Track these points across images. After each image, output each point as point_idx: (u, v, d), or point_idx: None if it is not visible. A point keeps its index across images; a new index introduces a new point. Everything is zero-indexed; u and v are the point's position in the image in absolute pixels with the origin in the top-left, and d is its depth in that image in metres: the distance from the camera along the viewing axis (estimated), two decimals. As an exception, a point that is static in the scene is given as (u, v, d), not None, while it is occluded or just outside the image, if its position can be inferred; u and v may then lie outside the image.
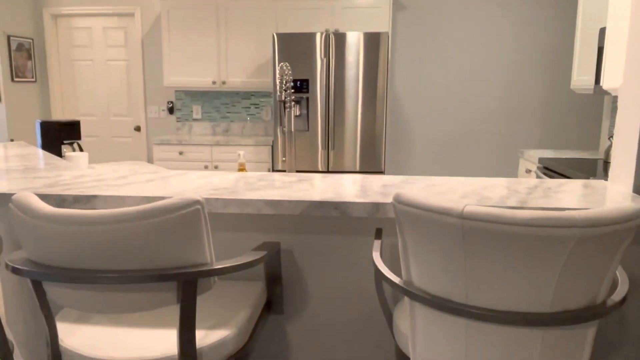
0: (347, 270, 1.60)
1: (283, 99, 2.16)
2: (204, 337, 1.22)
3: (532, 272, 0.91)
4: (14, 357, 2.39)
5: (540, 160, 3.67)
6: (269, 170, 4.67)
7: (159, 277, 1.08)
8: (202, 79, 4.82)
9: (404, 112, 5.01)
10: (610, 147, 3.62)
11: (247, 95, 5.12)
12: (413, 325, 1.11)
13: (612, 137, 3.86)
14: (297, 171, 4.40)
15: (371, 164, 4.39)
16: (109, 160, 5.46)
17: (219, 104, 5.19)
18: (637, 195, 1.51)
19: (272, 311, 1.63)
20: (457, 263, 0.95)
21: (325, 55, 4.23)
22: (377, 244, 1.30)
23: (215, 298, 1.45)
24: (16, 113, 5.05)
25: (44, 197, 1.46)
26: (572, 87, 3.87)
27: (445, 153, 5.03)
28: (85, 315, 1.35)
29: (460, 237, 0.92)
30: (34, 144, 5.04)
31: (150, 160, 5.41)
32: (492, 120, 4.92)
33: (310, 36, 4.21)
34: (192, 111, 5.24)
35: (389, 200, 1.39)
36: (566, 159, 3.64)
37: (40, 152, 2.50)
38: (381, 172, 4.42)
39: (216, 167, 4.67)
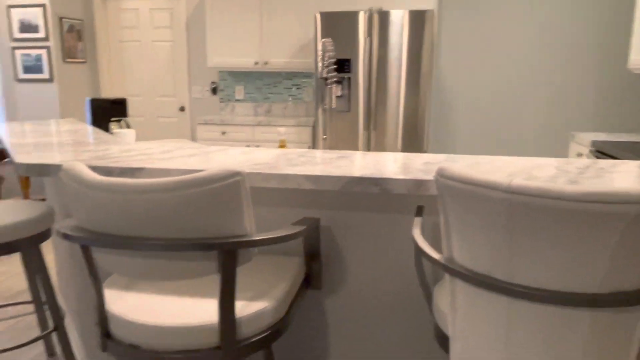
0: (386, 247, 1.59)
1: (325, 75, 2.14)
2: (243, 308, 1.24)
3: (581, 251, 0.87)
4: (65, 325, 2.52)
5: (594, 143, 3.51)
6: (309, 151, 4.68)
7: (200, 246, 1.10)
8: (244, 60, 4.85)
9: (449, 92, 4.89)
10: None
11: (289, 75, 5.12)
12: (453, 303, 1.09)
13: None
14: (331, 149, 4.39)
15: (413, 145, 4.32)
16: (154, 140, 5.61)
17: (261, 85, 5.21)
18: (699, 177, 1.42)
19: (311, 286, 1.64)
20: (502, 239, 0.92)
21: (368, 35, 4.16)
22: (417, 221, 1.28)
23: (255, 271, 1.47)
24: (67, 93, 5.25)
25: (92, 169, 1.51)
26: (629, 66, 3.66)
27: (491, 135, 4.89)
28: (131, 283, 1.40)
29: (506, 213, 0.88)
30: (84, 122, 5.24)
31: (193, 140, 5.52)
32: (541, 101, 4.73)
33: (353, 15, 4.14)
34: (234, 92, 5.29)
35: (431, 177, 1.36)
36: (621, 142, 3.47)
37: (90, 128, 2.59)
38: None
39: (257, 147, 4.71)
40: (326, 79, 2.09)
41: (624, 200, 0.81)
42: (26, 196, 4.59)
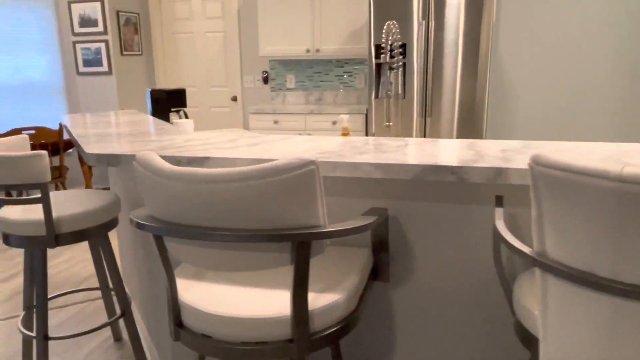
0: (458, 239, 1.51)
1: (388, 60, 2.06)
2: (315, 300, 1.21)
3: None
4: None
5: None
6: (362, 139, 4.60)
7: (274, 237, 1.07)
8: (296, 48, 4.81)
9: (508, 76, 4.68)
10: None
11: (341, 63, 5.05)
12: (544, 301, 1.01)
13: None
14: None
15: (470, 132, 4.16)
16: (208, 130, 5.70)
17: (312, 73, 5.17)
18: None
19: (378, 279, 1.59)
20: (607, 233, 0.83)
21: (423, 18, 4.02)
22: (499, 211, 1.20)
23: (324, 262, 1.43)
24: (125, 84, 5.39)
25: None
26: None
27: (554, 121, 4.65)
28: (199, 272, 1.40)
29: (614, 203, 0.80)
30: (144, 113, 5.38)
31: (246, 129, 5.56)
32: (610, 84, 4.45)
33: (408, -2, 4.02)
34: (285, 80, 5.28)
35: (511, 165, 1.27)
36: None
37: (151, 119, 2.63)
38: (481, 142, 4.19)
39: (309, 135, 4.69)
40: (391, 65, 2.01)
41: None
42: (88, 185, 4.77)
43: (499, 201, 1.28)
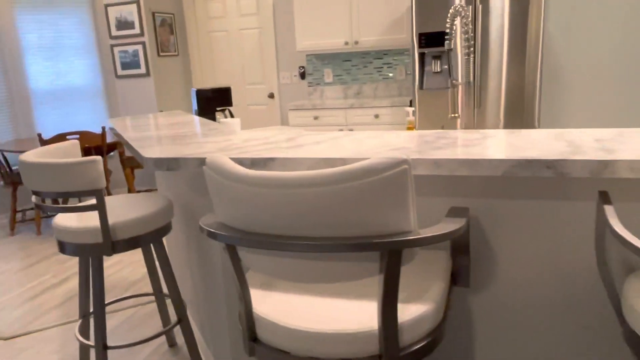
0: (548, 239, 1.38)
1: (450, 47, 1.91)
2: (402, 311, 1.10)
3: None
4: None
5: None
6: (405, 132, 4.45)
7: (363, 245, 0.97)
8: (334, 41, 4.70)
9: (560, 61, 4.44)
10: None
11: (379, 54, 4.91)
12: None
13: None
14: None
15: (518, 121, 3.97)
16: (247, 128, 5.65)
17: (349, 66, 5.05)
18: None
19: (457, 284, 1.47)
20: None
21: (468, 3, 3.84)
22: (610, 210, 1.07)
23: (403, 268, 1.32)
24: (162, 86, 5.39)
25: (222, 161, 1.43)
26: None
27: (613, 109, 4.39)
28: (271, 280, 1.31)
29: None
30: (188, 113, 5.36)
31: (284, 126, 5.48)
32: (670, 65, 4.17)
33: (452, -17, 3.84)
34: (323, 75, 5.17)
35: (616, 156, 1.13)
36: None
37: (197, 119, 2.56)
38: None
39: (351, 131, 4.57)
40: (465, 50, 1.87)
41: None
42: (131, 188, 4.78)
43: (605, 197, 1.14)
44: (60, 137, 3.99)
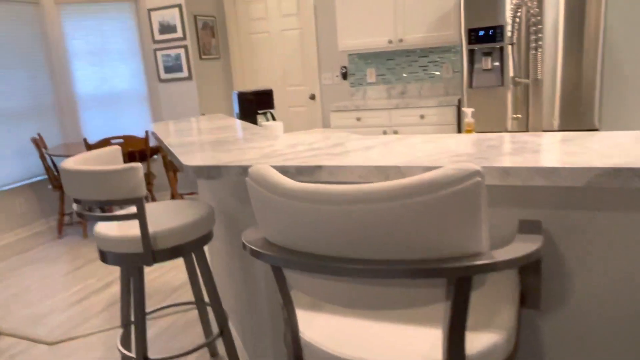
0: (629, 255, 1.20)
1: (512, 41, 1.75)
2: (468, 342, 0.97)
3: None
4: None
5: None
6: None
7: (428, 272, 0.84)
8: (377, 39, 4.55)
9: (622, 57, 4.14)
10: None
11: (425, 52, 4.73)
12: None
13: None
14: (480, 132, 3.91)
15: (575, 122, 3.71)
16: (288, 130, 5.58)
17: (393, 65, 4.89)
18: None
19: (526, 305, 1.31)
20: None
21: (522, -4, 3.62)
22: None
23: (465, 289, 1.18)
24: (204, 89, 5.39)
25: (265, 169, 1.33)
26: None
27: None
28: (317, 301, 1.20)
29: None
30: (230, 117, 5.35)
31: (326, 128, 5.38)
32: None
33: (504, -25, 3.63)
34: (366, 75, 5.03)
35: None
36: None
37: (239, 123, 2.49)
38: (594, 131, 3.72)
39: (395, 132, 4.42)
40: (536, 46, 1.71)
41: None
42: (174, 191, 4.79)
43: None
44: (105, 142, 4.03)
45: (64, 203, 4.52)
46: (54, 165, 4.51)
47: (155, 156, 5.39)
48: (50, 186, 4.97)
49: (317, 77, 5.27)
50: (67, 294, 3.30)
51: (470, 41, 3.73)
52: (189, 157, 1.53)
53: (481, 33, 3.68)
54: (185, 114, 5.39)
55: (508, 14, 3.64)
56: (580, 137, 1.33)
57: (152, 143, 4.54)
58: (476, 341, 0.97)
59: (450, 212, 0.81)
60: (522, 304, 1.33)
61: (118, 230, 1.79)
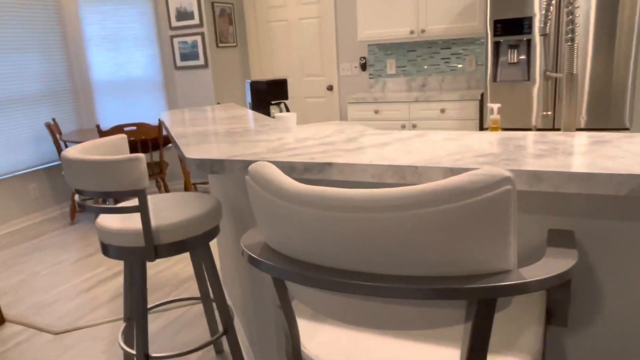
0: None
1: (545, 32, 1.62)
2: (490, 367, 0.86)
3: None
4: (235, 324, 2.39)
5: None
6: (477, 130, 4.11)
7: (448, 292, 0.73)
8: (398, 30, 4.41)
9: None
10: None
11: (447, 44, 4.57)
12: None
13: None
14: (503, 129, 3.76)
15: (604, 120, 3.53)
16: (303, 122, 5.47)
17: (414, 57, 4.74)
18: None
19: (552, 322, 1.20)
20: None
21: (552, -14, 3.44)
22: None
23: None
24: (220, 77, 5.31)
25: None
26: None
27: None
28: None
29: None
30: (242, 106, 5.27)
31: (343, 120, 5.26)
32: None
33: (534, -36, 3.46)
34: (385, 66, 4.89)
35: None
36: None
37: (251, 113, 2.39)
38: (624, 130, 3.54)
39: (414, 126, 4.28)
40: (572, 37, 1.58)
41: None
42: (187, 180, 4.74)
43: None
44: (118, 129, 3.98)
45: (77, 189, 4.50)
46: (68, 151, 4.48)
47: (169, 145, 5.34)
48: (63, 172, 4.96)
49: (335, 68, 5.14)
50: (76, 281, 3.27)
51: (496, 33, 3.57)
52: (192, 150, 1.44)
53: (508, 24, 3.52)
54: (200, 103, 5.32)
55: (537, 4, 3.47)
56: (617, 139, 1.20)
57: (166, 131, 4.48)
58: (497, 366, 0.87)
59: (475, 225, 0.71)
60: (548, 321, 1.22)
61: (121, 222, 1.71)
